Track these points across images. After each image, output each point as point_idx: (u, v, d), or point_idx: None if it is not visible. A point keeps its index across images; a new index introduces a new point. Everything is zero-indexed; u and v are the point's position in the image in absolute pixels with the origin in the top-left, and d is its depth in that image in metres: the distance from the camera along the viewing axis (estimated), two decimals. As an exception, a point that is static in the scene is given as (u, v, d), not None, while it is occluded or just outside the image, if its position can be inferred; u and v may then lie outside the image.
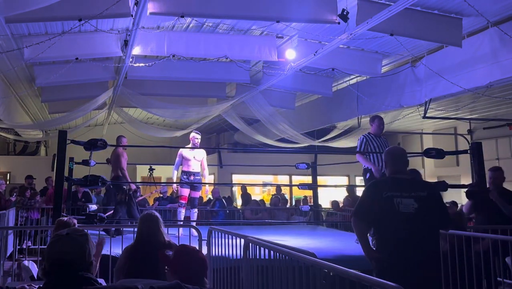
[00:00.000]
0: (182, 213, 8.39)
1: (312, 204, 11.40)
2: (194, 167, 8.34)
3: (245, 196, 13.64)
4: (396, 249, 3.37)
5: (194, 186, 8.32)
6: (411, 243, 3.35)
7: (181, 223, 8.17)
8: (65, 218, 4.47)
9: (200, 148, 8.70)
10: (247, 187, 14.17)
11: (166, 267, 2.65)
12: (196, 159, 8.34)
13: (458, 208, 8.42)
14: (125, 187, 8.13)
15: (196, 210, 8.53)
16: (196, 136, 8.37)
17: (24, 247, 8.99)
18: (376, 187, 3.71)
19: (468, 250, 4.46)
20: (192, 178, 8.27)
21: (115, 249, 5.45)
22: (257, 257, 3.93)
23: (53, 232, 4.43)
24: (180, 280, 2.34)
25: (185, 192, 8.34)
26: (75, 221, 4.41)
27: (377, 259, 3.46)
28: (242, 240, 4.38)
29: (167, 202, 11.68)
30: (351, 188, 12.89)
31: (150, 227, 3.65)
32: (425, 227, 3.42)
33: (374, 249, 3.61)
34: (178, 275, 2.49)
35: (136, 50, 8.02)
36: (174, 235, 6.20)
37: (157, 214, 3.77)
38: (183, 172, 8.43)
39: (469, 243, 4.51)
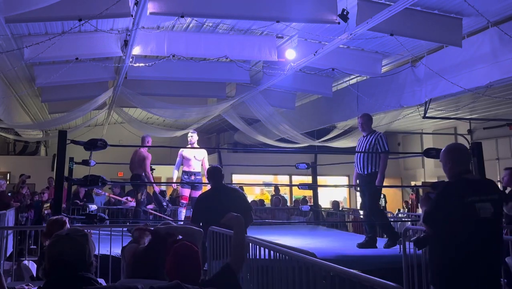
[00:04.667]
0: (182, 213, 8.42)
1: (312, 204, 11.40)
2: (195, 166, 8.38)
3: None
4: (472, 258, 3.09)
5: (195, 185, 8.35)
6: (487, 251, 3.13)
7: (181, 223, 8.18)
8: (56, 216, 4.51)
9: (200, 147, 8.75)
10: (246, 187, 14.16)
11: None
12: (197, 159, 8.38)
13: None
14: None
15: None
16: (190, 135, 8.49)
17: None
18: (455, 191, 3.23)
19: None
20: (192, 177, 8.31)
21: (115, 249, 5.45)
22: (257, 257, 3.93)
23: (45, 229, 4.45)
24: (176, 277, 2.36)
25: (186, 192, 8.41)
26: (66, 219, 4.45)
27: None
28: (242, 240, 4.38)
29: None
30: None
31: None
32: (499, 232, 3.26)
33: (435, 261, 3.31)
34: (173, 273, 2.51)
35: (136, 50, 8.02)
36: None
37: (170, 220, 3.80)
38: (183, 172, 8.48)
39: None
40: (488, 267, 3.11)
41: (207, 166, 8.48)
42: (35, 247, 8.29)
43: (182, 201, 8.46)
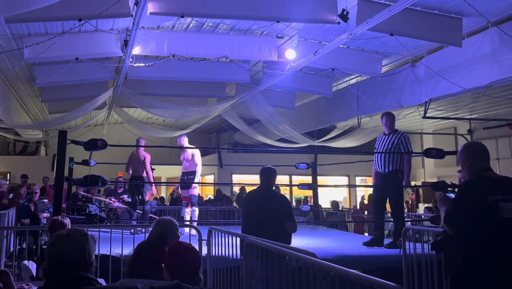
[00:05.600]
0: (186, 212, 8.51)
1: (312, 204, 11.40)
2: (186, 167, 8.58)
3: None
4: (498, 263, 2.89)
5: (188, 185, 8.49)
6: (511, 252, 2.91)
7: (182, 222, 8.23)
8: (59, 217, 4.53)
9: (199, 147, 8.84)
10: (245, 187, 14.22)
11: (162, 264, 2.66)
12: (186, 159, 8.55)
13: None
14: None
15: (194, 208, 8.58)
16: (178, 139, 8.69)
17: (24, 247, 8.97)
18: (477, 189, 3.03)
19: None
20: (185, 178, 8.48)
21: (115, 249, 5.45)
22: (257, 257, 3.93)
23: (48, 231, 4.48)
24: (175, 277, 2.37)
25: (183, 192, 8.61)
26: (68, 220, 4.48)
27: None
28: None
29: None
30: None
31: (159, 230, 3.67)
32: None
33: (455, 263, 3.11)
34: (173, 273, 2.51)
35: (136, 50, 8.02)
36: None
37: (172, 219, 3.79)
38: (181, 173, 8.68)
39: None
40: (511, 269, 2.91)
41: (197, 163, 8.48)
42: (34, 247, 8.28)
43: (183, 201, 8.66)
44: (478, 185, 3.06)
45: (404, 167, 6.43)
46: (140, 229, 7.24)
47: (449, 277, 3.19)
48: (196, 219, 8.52)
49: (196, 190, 8.75)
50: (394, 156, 6.44)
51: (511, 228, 2.90)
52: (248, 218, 5.04)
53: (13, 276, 5.98)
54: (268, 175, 5.14)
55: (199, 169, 8.45)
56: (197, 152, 8.56)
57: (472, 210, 2.96)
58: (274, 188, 5.47)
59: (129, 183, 9.68)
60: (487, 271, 2.91)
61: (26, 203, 9.35)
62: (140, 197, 8.81)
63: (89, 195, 10.87)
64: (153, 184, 9.36)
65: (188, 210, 8.52)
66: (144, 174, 8.79)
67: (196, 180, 8.39)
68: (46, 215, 8.73)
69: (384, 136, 6.66)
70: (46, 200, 9.13)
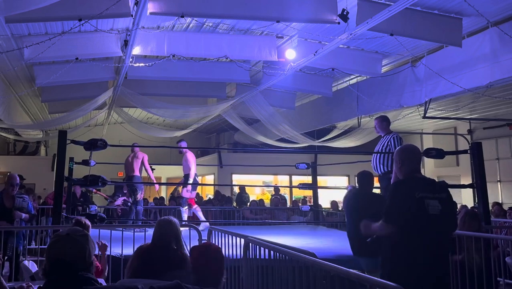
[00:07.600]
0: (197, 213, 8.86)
1: (312, 204, 11.39)
2: (183, 169, 8.83)
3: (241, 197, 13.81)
4: (422, 254, 3.15)
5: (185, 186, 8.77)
6: (435, 246, 3.21)
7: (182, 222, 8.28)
8: (82, 219, 4.61)
9: (199, 148, 8.90)
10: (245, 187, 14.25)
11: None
12: (183, 162, 8.84)
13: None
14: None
15: (181, 208, 8.80)
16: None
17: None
18: (406, 187, 3.33)
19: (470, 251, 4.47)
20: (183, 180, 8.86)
21: (114, 249, 5.46)
22: (257, 257, 3.93)
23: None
24: (198, 279, 2.47)
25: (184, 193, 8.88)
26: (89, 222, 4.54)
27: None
28: (242, 240, 4.39)
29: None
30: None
31: (162, 232, 3.68)
32: (446, 229, 3.34)
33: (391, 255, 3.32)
34: (197, 274, 2.55)
35: (136, 50, 8.03)
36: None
37: (174, 219, 3.79)
38: None
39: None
40: (434, 264, 3.17)
41: (190, 167, 8.67)
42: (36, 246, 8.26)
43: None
44: (407, 183, 3.36)
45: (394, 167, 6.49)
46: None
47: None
48: (185, 219, 8.60)
49: (186, 192, 8.78)
50: (385, 158, 6.48)
51: (434, 223, 3.19)
52: (348, 220, 5.70)
53: (13, 276, 5.98)
54: (361, 179, 5.65)
55: (192, 173, 8.65)
56: (190, 157, 8.76)
57: (403, 207, 3.22)
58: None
59: (128, 183, 9.69)
60: (411, 262, 3.15)
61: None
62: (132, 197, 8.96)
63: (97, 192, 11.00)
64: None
65: (184, 209, 8.77)
66: (136, 173, 8.93)
67: (190, 182, 8.60)
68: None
69: (381, 138, 6.76)
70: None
